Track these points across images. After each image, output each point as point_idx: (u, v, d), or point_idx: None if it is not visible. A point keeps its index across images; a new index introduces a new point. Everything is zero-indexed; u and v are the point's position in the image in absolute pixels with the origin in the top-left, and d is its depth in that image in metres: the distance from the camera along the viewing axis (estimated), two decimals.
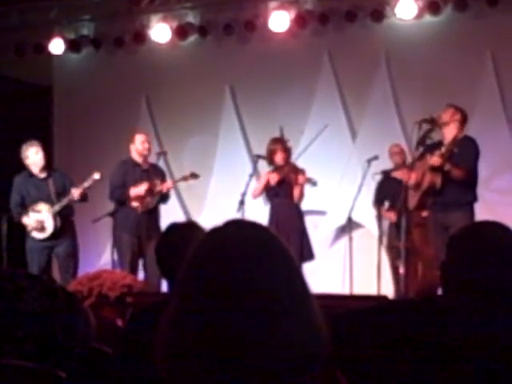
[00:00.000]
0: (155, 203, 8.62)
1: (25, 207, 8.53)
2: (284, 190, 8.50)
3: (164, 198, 8.81)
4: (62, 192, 8.57)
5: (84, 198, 8.55)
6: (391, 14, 9.65)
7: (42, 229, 8.49)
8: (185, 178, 8.91)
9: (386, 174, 8.94)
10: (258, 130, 10.06)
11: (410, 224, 7.72)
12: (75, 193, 8.44)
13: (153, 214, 8.65)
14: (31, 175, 8.57)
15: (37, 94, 11.28)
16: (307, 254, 8.40)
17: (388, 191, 8.70)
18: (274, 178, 8.51)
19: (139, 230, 8.48)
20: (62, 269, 8.60)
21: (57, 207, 8.51)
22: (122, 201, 8.64)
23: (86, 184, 8.50)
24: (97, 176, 8.50)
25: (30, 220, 8.48)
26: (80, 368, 2.04)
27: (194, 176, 8.90)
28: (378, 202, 8.92)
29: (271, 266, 1.45)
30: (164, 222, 8.74)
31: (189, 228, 3.56)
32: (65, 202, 8.53)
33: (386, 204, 8.79)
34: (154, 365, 1.46)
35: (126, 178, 8.65)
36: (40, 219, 8.47)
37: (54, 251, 8.59)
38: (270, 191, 8.63)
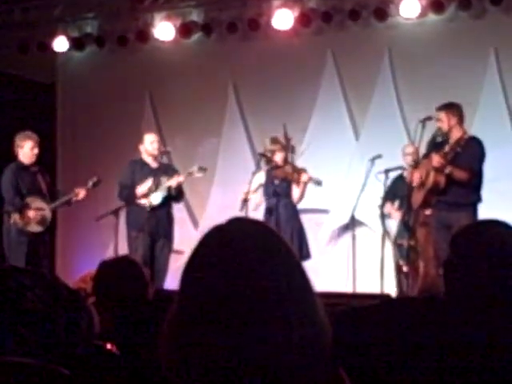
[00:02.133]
0: (161, 199, 8.57)
1: (21, 199, 8.41)
2: (284, 190, 8.49)
3: (177, 196, 8.76)
4: (51, 189, 8.59)
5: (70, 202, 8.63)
6: (395, 12, 9.64)
7: (42, 222, 8.46)
8: (192, 173, 8.79)
9: (400, 173, 8.77)
10: (262, 127, 10.04)
11: (415, 222, 7.70)
12: (80, 193, 8.48)
13: (163, 210, 8.63)
14: (22, 167, 8.48)
15: (40, 92, 11.28)
16: (305, 253, 8.39)
17: (399, 190, 8.52)
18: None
19: (149, 227, 8.48)
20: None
21: (57, 203, 8.53)
22: (129, 200, 8.64)
23: (90, 184, 8.58)
24: (94, 180, 8.63)
25: (31, 212, 8.40)
26: (83, 365, 2.05)
27: (201, 170, 8.81)
28: (388, 199, 8.70)
29: (273, 263, 1.45)
30: None
31: (121, 264, 3.67)
32: (65, 199, 8.55)
33: (396, 203, 8.71)
34: (157, 363, 1.47)
35: (134, 178, 8.65)
36: (42, 212, 8.45)
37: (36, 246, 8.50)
38: (268, 190, 8.59)
